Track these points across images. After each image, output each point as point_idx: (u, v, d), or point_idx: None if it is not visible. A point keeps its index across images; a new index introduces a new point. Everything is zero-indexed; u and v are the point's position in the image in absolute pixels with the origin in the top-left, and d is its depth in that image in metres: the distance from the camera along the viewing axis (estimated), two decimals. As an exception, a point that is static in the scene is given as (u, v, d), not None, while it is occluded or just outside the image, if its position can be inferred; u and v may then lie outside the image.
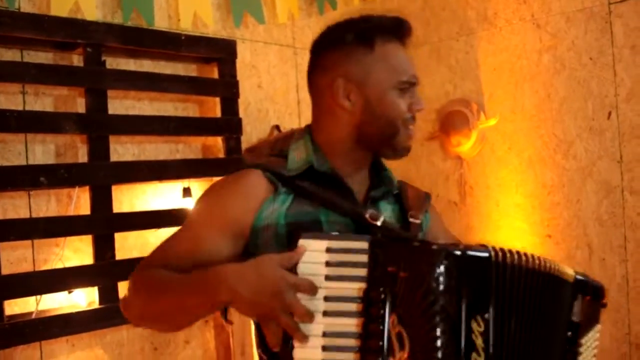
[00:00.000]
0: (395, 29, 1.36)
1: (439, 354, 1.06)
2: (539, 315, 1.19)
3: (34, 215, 2.36)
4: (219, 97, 2.81)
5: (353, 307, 1.16)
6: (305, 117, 3.32)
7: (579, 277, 1.28)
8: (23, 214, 2.34)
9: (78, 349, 2.45)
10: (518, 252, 1.19)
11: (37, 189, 2.30)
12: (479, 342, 1.09)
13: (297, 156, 1.35)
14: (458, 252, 1.11)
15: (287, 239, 1.21)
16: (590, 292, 1.31)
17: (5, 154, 2.32)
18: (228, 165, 2.73)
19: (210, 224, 1.28)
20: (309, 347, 1.14)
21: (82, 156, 2.45)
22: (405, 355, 1.08)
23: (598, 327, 1.33)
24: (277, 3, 3.14)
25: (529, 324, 1.17)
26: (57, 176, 2.29)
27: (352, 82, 1.32)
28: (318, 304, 1.15)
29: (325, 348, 1.15)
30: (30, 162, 2.36)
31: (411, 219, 1.40)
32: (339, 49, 1.35)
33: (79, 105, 2.45)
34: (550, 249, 2.94)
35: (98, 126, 2.40)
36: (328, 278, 1.16)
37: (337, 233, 1.27)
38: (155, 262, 1.27)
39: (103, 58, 2.43)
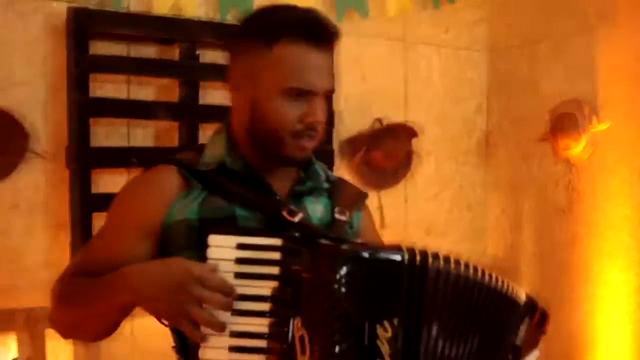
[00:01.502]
0: (304, 30, 1.23)
1: None
2: (478, 330, 1.15)
3: (132, 191, 2.68)
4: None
5: (263, 306, 1.14)
6: (412, 112, 3.34)
7: (530, 300, 1.23)
8: (121, 189, 2.67)
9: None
10: (457, 261, 1.13)
11: (130, 168, 2.61)
12: (385, 348, 1.05)
13: (211, 152, 1.32)
14: (365, 255, 1.09)
15: (198, 236, 1.18)
16: (538, 317, 1.25)
17: (110, 135, 2.66)
18: (319, 156, 2.86)
19: (121, 226, 1.27)
20: (215, 347, 1.12)
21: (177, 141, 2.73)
22: None
23: (536, 352, 1.27)
24: (387, -3, 3.17)
25: (463, 337, 1.13)
26: (148, 158, 2.58)
27: (245, 77, 1.27)
28: None
29: (231, 348, 1.13)
30: (132, 144, 2.68)
31: (337, 215, 1.34)
32: (244, 39, 1.28)
33: (177, 95, 2.72)
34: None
35: (188, 114, 2.66)
36: (238, 275, 1.14)
37: (249, 228, 1.24)
38: (74, 272, 1.29)
39: (197, 52, 2.68)
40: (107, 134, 2.64)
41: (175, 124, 2.68)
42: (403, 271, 1.09)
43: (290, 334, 1.11)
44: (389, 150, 3.09)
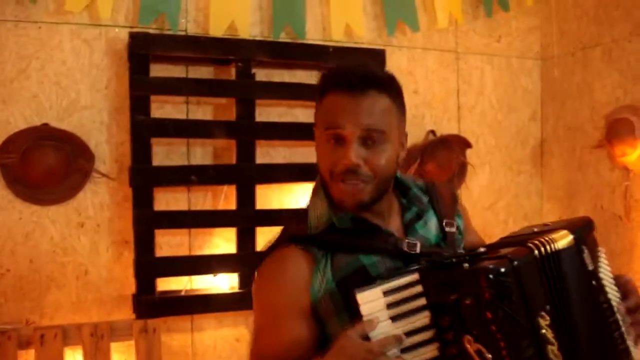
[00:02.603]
0: (340, 80, 1.31)
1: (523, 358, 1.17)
2: (571, 287, 1.27)
3: (192, 208, 2.76)
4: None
5: (427, 335, 1.23)
6: (465, 122, 3.34)
7: (576, 234, 1.32)
8: (182, 206, 2.75)
9: (224, 325, 2.82)
10: (546, 238, 1.28)
11: (189, 185, 2.69)
12: (549, 333, 1.20)
13: (315, 214, 1.39)
14: (507, 265, 1.19)
15: (343, 299, 1.29)
16: (587, 235, 1.37)
17: (170, 154, 2.75)
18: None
19: (278, 317, 1.33)
20: None
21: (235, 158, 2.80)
22: None
23: (600, 248, 1.41)
24: (437, 8, 3.19)
25: (570, 300, 1.27)
26: (207, 175, 2.67)
27: (315, 131, 1.39)
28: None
29: None
30: (192, 162, 2.77)
31: (447, 229, 1.44)
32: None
33: (234, 114, 2.80)
34: None
35: (245, 132, 2.72)
36: (394, 318, 1.22)
37: (384, 275, 1.31)
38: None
39: (253, 71, 2.74)
40: (167, 153, 2.74)
41: (233, 142, 2.75)
42: (536, 264, 1.24)
43: (464, 351, 1.20)
44: (442, 161, 3.10)
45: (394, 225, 1.41)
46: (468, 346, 1.18)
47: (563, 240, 1.29)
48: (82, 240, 2.62)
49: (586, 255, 1.33)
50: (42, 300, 2.56)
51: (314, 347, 1.32)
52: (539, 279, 1.23)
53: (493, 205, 3.39)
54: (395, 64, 3.07)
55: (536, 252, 1.24)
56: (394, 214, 1.43)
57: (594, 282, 1.33)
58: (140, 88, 2.57)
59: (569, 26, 3.35)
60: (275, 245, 1.40)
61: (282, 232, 1.43)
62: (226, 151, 2.83)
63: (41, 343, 2.39)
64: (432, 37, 3.25)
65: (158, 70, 2.68)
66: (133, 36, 2.56)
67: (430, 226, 1.44)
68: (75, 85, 2.60)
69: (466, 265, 1.24)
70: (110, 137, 2.65)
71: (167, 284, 2.70)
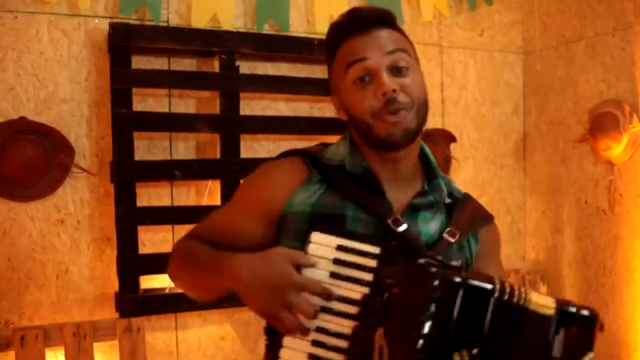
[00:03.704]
0: (348, 28, 1.32)
1: None
2: (520, 353, 1.11)
3: (175, 204, 2.69)
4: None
5: (350, 309, 1.17)
6: (449, 116, 3.32)
7: (561, 308, 1.14)
8: (165, 202, 2.69)
9: (209, 323, 2.76)
10: (511, 286, 1.11)
11: (173, 180, 2.63)
12: None
13: (334, 150, 1.38)
14: (457, 279, 1.07)
15: (307, 228, 1.24)
16: (577, 323, 1.16)
17: (152, 149, 2.67)
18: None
19: (244, 207, 1.36)
20: (299, 339, 1.17)
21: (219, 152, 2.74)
22: None
23: (590, 355, 1.17)
24: (422, 1, 3.16)
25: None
26: (191, 170, 2.60)
27: (335, 96, 1.37)
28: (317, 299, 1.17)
29: (315, 342, 1.17)
30: (174, 157, 2.70)
31: (445, 235, 1.33)
32: (327, 64, 1.39)
33: (218, 107, 2.73)
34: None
35: (229, 126, 2.67)
36: (333, 275, 1.18)
37: (352, 231, 1.27)
38: (195, 236, 1.40)
39: (237, 64, 2.68)
40: (149, 147, 2.66)
41: (217, 136, 2.69)
42: (490, 302, 1.08)
43: (372, 342, 1.13)
44: (427, 155, 3.08)
45: (400, 201, 1.34)
46: (376, 339, 1.11)
47: (540, 302, 1.12)
48: (62, 237, 2.54)
49: (559, 338, 1.13)
50: (20, 300, 2.47)
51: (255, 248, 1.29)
52: (482, 317, 1.07)
53: (477, 199, 3.37)
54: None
55: (497, 292, 1.08)
56: (408, 191, 1.36)
57: None
58: (121, 80, 2.50)
59: (551, 20, 3.35)
60: (285, 154, 1.41)
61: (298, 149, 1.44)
62: (209, 145, 2.76)
63: (21, 344, 2.31)
64: (416, 30, 3.22)
65: (139, 62, 2.61)
66: (113, 27, 2.48)
67: (432, 225, 1.35)
68: (53, 78, 2.51)
69: (422, 260, 1.15)
70: (90, 130, 2.57)
71: (150, 281, 2.63)
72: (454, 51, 3.34)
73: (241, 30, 2.79)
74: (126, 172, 2.51)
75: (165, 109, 2.68)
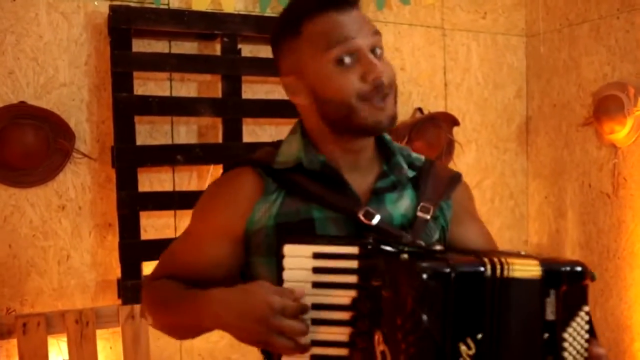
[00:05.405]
0: (322, 2, 1.19)
1: None
2: (517, 325, 1.07)
3: (177, 189, 2.67)
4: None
5: (343, 315, 1.12)
6: (452, 100, 3.30)
7: (547, 269, 1.09)
8: (167, 187, 2.66)
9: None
10: (491, 259, 1.06)
11: (175, 165, 2.60)
12: None
13: (286, 150, 1.28)
14: (446, 270, 1.01)
15: (276, 242, 1.16)
16: (565, 281, 1.11)
17: (154, 133, 2.64)
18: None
19: (206, 233, 1.27)
20: (297, 357, 1.11)
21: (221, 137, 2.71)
22: None
23: (585, 309, 1.13)
24: (425, -16, 3.13)
25: (511, 338, 1.07)
26: (193, 155, 2.57)
27: (294, 77, 1.23)
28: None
29: (313, 357, 1.12)
30: (175, 141, 2.66)
31: (419, 213, 1.26)
32: (277, 46, 1.25)
33: (220, 90, 2.70)
34: None
35: (231, 110, 2.63)
36: (316, 285, 1.12)
37: (325, 235, 1.20)
38: (162, 273, 1.31)
39: (239, 46, 2.65)
40: (150, 132, 2.63)
41: (219, 120, 2.65)
42: (485, 283, 1.03)
43: (371, 347, 1.08)
44: (431, 139, 3.05)
45: (363, 188, 1.26)
46: (376, 344, 1.06)
47: (524, 269, 1.07)
48: (63, 223, 2.51)
49: (550, 300, 1.09)
50: (22, 287, 2.44)
51: (230, 275, 1.25)
52: (480, 301, 1.03)
53: (480, 183, 3.36)
54: (382, 40, 2.99)
55: (489, 271, 1.03)
56: (369, 176, 1.28)
57: (546, 335, 1.09)
58: (122, 64, 2.46)
59: (555, 2, 3.32)
60: (235, 164, 1.30)
61: (249, 155, 1.32)
62: (211, 129, 2.73)
63: (23, 332, 2.29)
64: (419, 12, 3.19)
65: (140, 46, 2.57)
66: (114, 10, 2.44)
67: (401, 204, 1.28)
68: (53, 62, 2.47)
69: (405, 256, 1.07)
70: (91, 115, 2.54)
71: (153, 268, 2.60)
72: (456, 34, 3.31)
73: (243, 12, 2.75)
74: (127, 157, 2.47)
75: (167, 93, 2.65)
